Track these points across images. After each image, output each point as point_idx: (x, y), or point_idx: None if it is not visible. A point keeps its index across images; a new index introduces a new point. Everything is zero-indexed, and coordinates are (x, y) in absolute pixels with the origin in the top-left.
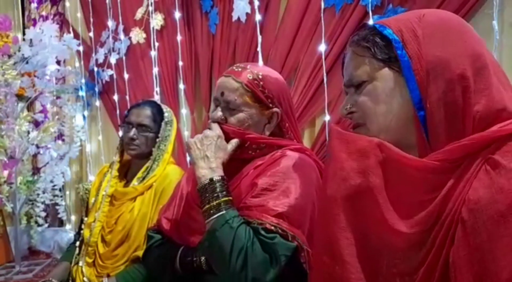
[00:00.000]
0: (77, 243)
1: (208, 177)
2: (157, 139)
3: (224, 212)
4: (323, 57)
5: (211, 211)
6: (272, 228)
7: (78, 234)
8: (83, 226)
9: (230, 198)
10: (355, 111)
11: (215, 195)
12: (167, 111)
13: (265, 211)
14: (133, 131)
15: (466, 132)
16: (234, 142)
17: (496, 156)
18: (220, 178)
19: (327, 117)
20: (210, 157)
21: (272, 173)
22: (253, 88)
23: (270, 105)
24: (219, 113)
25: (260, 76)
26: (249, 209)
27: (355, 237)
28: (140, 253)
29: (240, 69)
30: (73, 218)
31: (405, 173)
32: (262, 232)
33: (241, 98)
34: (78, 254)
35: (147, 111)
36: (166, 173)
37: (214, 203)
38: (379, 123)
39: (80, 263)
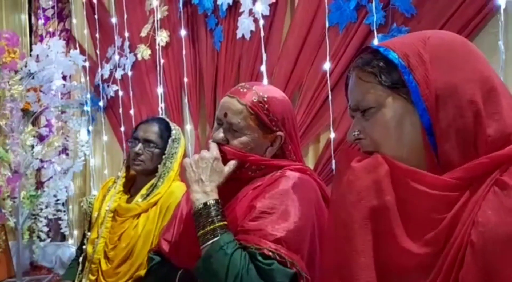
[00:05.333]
0: (80, 259)
1: (202, 201)
2: (163, 156)
3: (219, 237)
4: (328, 75)
5: (206, 237)
6: (270, 254)
7: (80, 249)
8: (85, 241)
9: (225, 222)
10: (363, 138)
11: (210, 219)
12: (175, 129)
13: (264, 236)
14: (139, 147)
15: (479, 157)
16: (232, 163)
17: (504, 177)
18: (214, 201)
19: (332, 135)
20: (205, 180)
21: (271, 195)
22: (257, 111)
23: (274, 128)
24: (220, 134)
25: (265, 99)
26: (247, 233)
27: (371, 261)
28: (142, 272)
29: (245, 90)
30: (75, 232)
31: (416, 190)
32: (259, 258)
33: (245, 121)
34: (81, 271)
35: (155, 127)
36: (171, 190)
37: (209, 228)
38: (391, 152)
39: (83, 281)
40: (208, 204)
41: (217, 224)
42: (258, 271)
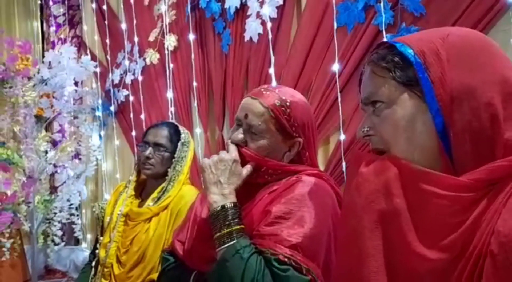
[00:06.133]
0: (93, 263)
1: (220, 204)
2: (173, 160)
3: (235, 241)
4: (337, 76)
5: (222, 240)
6: (286, 260)
7: (93, 254)
8: (98, 246)
9: (242, 226)
10: (373, 134)
11: (227, 222)
12: (184, 133)
13: (279, 241)
14: (149, 150)
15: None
16: (249, 167)
17: None
18: (232, 205)
19: (342, 136)
20: (224, 182)
21: (287, 200)
22: (278, 116)
23: (294, 134)
24: (240, 135)
25: (287, 104)
26: (262, 238)
27: (381, 265)
28: (154, 276)
29: (268, 93)
30: (89, 236)
31: (429, 192)
32: (275, 264)
33: (265, 125)
34: (94, 275)
35: (164, 131)
36: (182, 193)
37: (226, 231)
38: (402, 154)
39: None
40: (226, 207)
41: (233, 228)
42: (273, 277)
